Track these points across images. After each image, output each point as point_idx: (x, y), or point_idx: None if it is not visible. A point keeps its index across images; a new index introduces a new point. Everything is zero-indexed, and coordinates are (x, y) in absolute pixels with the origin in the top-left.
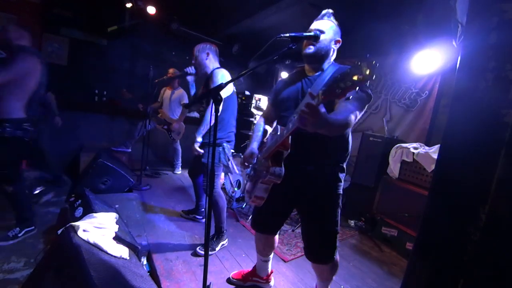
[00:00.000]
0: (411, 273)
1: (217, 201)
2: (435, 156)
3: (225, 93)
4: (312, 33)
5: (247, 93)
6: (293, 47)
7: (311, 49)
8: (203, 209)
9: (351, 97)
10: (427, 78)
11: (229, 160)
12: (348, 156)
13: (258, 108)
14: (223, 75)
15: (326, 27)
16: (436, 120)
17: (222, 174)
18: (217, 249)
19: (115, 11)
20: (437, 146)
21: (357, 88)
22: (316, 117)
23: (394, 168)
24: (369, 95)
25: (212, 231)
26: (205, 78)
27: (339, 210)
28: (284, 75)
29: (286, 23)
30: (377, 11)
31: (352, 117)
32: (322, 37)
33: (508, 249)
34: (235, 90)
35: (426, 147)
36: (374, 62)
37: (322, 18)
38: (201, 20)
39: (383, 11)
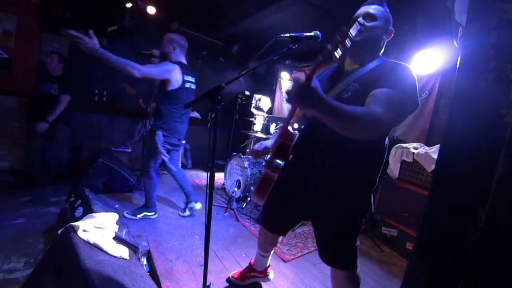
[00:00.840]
0: (411, 273)
1: (144, 181)
2: (435, 156)
3: (175, 83)
4: (312, 34)
5: (247, 93)
6: (293, 47)
7: (357, 35)
8: (192, 197)
9: (375, 94)
10: (427, 78)
11: (157, 149)
12: (379, 173)
13: (258, 108)
14: (169, 69)
15: (378, 13)
16: (436, 120)
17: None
18: (138, 216)
19: (115, 11)
20: (437, 146)
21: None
22: (302, 93)
23: (394, 168)
24: (408, 95)
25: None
26: None
27: (359, 227)
28: (284, 75)
29: (286, 23)
30: None
31: (370, 115)
32: (372, 23)
33: (508, 249)
34: (190, 81)
35: (426, 147)
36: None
37: (372, 3)
38: (201, 20)
39: None
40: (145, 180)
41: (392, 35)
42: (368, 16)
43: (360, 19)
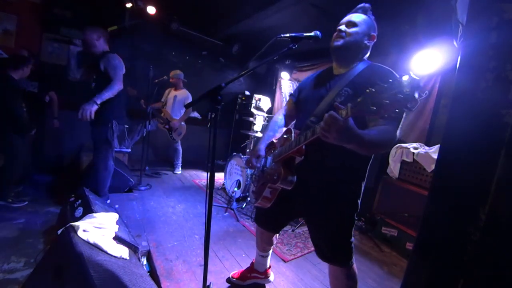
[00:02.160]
0: (411, 273)
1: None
2: (435, 156)
3: (123, 70)
4: (312, 34)
5: (247, 93)
6: (293, 47)
7: (339, 41)
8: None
9: (386, 115)
10: (427, 78)
11: (114, 137)
12: (368, 168)
13: (258, 108)
14: (120, 61)
15: (359, 20)
16: (436, 120)
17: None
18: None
19: (115, 11)
20: (437, 146)
21: (396, 109)
22: (340, 132)
23: (394, 168)
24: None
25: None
26: (92, 55)
27: (353, 223)
28: (284, 75)
29: (286, 23)
30: (377, 11)
31: (392, 137)
32: (353, 29)
33: (508, 249)
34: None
35: (426, 147)
36: (418, 78)
37: (356, 11)
38: (201, 20)
39: (383, 11)
40: (103, 173)
41: (375, 41)
42: (349, 23)
43: (341, 27)
